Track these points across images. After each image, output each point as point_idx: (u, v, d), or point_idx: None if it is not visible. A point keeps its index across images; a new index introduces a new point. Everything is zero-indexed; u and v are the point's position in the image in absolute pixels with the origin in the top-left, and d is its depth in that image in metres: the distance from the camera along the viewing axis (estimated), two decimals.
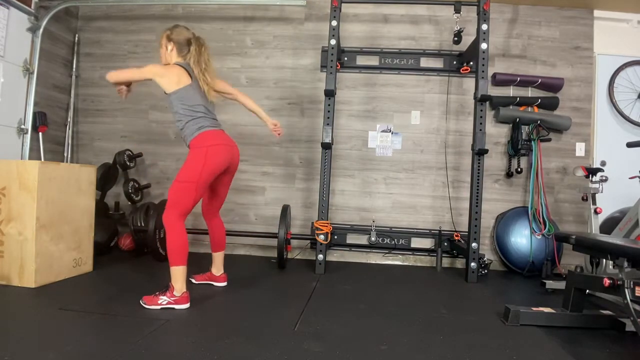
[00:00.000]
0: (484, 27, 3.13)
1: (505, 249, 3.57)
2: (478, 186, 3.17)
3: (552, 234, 3.45)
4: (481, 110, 3.15)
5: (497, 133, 3.80)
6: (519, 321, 2.16)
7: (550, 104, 3.72)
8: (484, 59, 3.12)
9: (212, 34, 3.92)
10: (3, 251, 2.45)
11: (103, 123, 4.05)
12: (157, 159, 3.99)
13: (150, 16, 4.03)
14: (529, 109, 3.74)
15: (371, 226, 3.76)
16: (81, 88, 4.07)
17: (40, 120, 3.57)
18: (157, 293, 2.20)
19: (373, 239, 3.72)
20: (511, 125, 3.71)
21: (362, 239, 3.80)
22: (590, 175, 3.02)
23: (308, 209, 3.85)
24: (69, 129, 3.97)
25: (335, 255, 3.81)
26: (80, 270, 2.77)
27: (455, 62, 3.79)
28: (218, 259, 2.67)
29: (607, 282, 1.89)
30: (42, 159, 3.60)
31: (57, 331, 1.81)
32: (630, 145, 2.78)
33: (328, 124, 3.16)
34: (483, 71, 3.11)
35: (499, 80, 3.74)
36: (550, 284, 2.96)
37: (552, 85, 3.72)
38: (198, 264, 2.92)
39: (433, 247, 3.73)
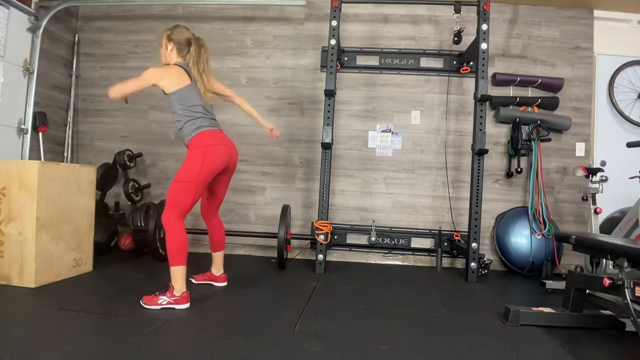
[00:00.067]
0: (484, 27, 3.13)
1: (505, 249, 3.57)
2: (478, 186, 3.17)
3: (552, 234, 3.45)
4: (481, 110, 3.15)
5: (497, 133, 3.80)
6: (519, 321, 2.16)
7: (550, 104, 3.72)
8: (484, 59, 3.12)
9: (212, 34, 3.92)
10: (3, 251, 2.46)
11: (103, 123, 4.05)
12: (157, 159, 3.99)
13: (150, 16, 4.03)
14: (529, 109, 3.74)
15: (371, 226, 3.76)
16: (81, 88, 4.07)
17: (40, 120, 3.57)
18: (157, 293, 2.20)
19: (373, 239, 3.72)
20: (511, 125, 3.71)
21: (362, 239, 3.80)
22: (590, 175, 3.02)
23: (308, 209, 3.85)
24: (69, 129, 3.97)
25: (335, 255, 3.81)
26: (80, 270, 2.77)
27: (455, 62, 3.79)
28: (218, 259, 2.67)
29: (607, 282, 1.89)
30: (42, 159, 3.60)
31: (57, 331, 1.81)
32: (630, 145, 2.78)
33: (328, 124, 3.16)
34: (483, 71, 3.11)
35: (499, 80, 3.74)
36: (550, 284, 2.96)
37: (552, 85, 3.72)
38: (198, 264, 2.92)
39: (433, 247, 3.73)
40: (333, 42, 3.16)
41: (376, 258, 3.79)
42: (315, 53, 3.91)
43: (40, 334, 1.76)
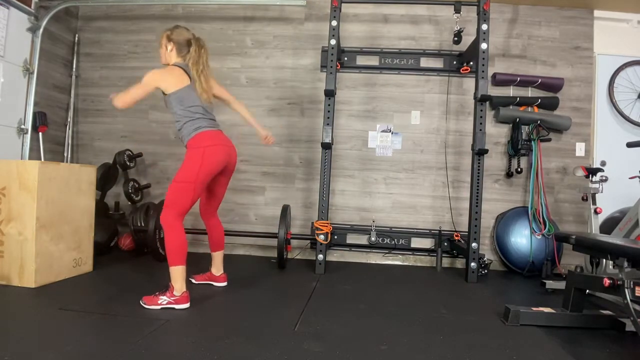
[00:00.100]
0: (484, 27, 3.13)
1: (505, 249, 3.57)
2: (478, 186, 3.17)
3: (552, 234, 3.45)
4: (481, 110, 3.15)
5: (497, 133, 3.80)
6: (519, 321, 2.16)
7: (550, 104, 3.72)
8: (484, 59, 3.12)
9: (212, 34, 3.92)
10: (3, 251, 2.46)
11: (103, 123, 4.05)
12: (157, 159, 3.99)
13: (150, 16, 4.03)
14: (529, 109, 3.74)
15: (371, 226, 3.76)
16: (81, 88, 4.07)
17: (40, 120, 3.57)
18: (157, 293, 2.20)
19: (373, 239, 3.72)
20: (511, 125, 3.71)
21: (362, 239, 3.80)
22: (590, 175, 3.02)
23: (308, 209, 3.85)
24: (69, 129, 3.97)
25: (335, 255, 3.81)
26: (80, 270, 2.77)
27: (455, 62, 3.79)
28: (217, 258, 2.67)
29: (607, 282, 1.89)
30: (42, 159, 3.60)
31: (57, 331, 1.81)
32: (630, 145, 2.78)
33: (328, 124, 3.16)
34: (483, 71, 3.11)
35: (499, 80, 3.74)
36: (550, 284, 2.96)
37: (552, 85, 3.72)
38: (198, 264, 2.92)
39: (433, 247, 3.73)
40: (333, 42, 3.16)
41: (376, 258, 3.79)
42: (315, 53, 3.91)
43: (40, 334, 1.76)
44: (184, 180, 2.25)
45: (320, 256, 3.18)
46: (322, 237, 3.16)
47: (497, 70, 3.78)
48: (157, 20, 4.00)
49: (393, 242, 3.75)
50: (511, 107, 3.73)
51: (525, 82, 3.72)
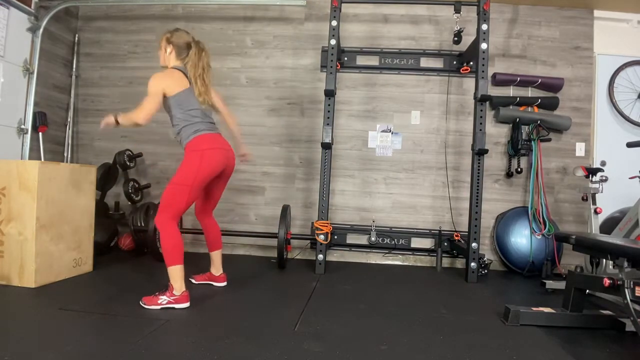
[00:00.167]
0: (484, 27, 3.13)
1: (505, 249, 3.57)
2: (478, 186, 3.17)
3: (552, 234, 3.45)
4: (481, 110, 3.15)
5: (497, 133, 3.80)
6: (519, 321, 2.16)
7: (550, 104, 3.72)
8: (484, 59, 3.12)
9: (212, 34, 3.93)
10: (3, 251, 2.45)
11: None
12: (157, 159, 3.99)
13: (150, 16, 4.03)
14: (529, 109, 3.73)
15: (371, 226, 3.76)
16: (81, 88, 4.07)
17: (40, 120, 3.57)
18: (157, 293, 2.20)
19: (373, 239, 3.72)
20: (511, 125, 3.71)
21: (362, 239, 3.80)
22: (590, 175, 3.02)
23: (308, 209, 3.85)
24: (69, 129, 3.97)
25: (335, 255, 3.81)
26: (80, 270, 2.77)
27: (455, 62, 3.79)
28: (216, 258, 2.67)
29: (607, 282, 1.89)
30: (42, 159, 3.60)
31: (57, 331, 1.81)
32: (630, 145, 2.78)
33: (328, 124, 3.16)
34: (483, 71, 3.11)
35: (499, 80, 3.74)
36: (550, 284, 2.96)
37: (552, 85, 3.72)
38: (197, 264, 2.92)
39: (433, 247, 3.73)
40: (333, 42, 3.16)
41: (376, 258, 3.79)
42: (315, 53, 3.91)
43: (40, 334, 1.76)
44: (180, 182, 2.25)
45: (320, 256, 3.18)
46: (322, 237, 3.16)
47: (497, 70, 3.78)
48: (157, 20, 4.00)
49: (393, 242, 3.75)
50: (511, 107, 3.73)
51: (525, 82, 3.72)
